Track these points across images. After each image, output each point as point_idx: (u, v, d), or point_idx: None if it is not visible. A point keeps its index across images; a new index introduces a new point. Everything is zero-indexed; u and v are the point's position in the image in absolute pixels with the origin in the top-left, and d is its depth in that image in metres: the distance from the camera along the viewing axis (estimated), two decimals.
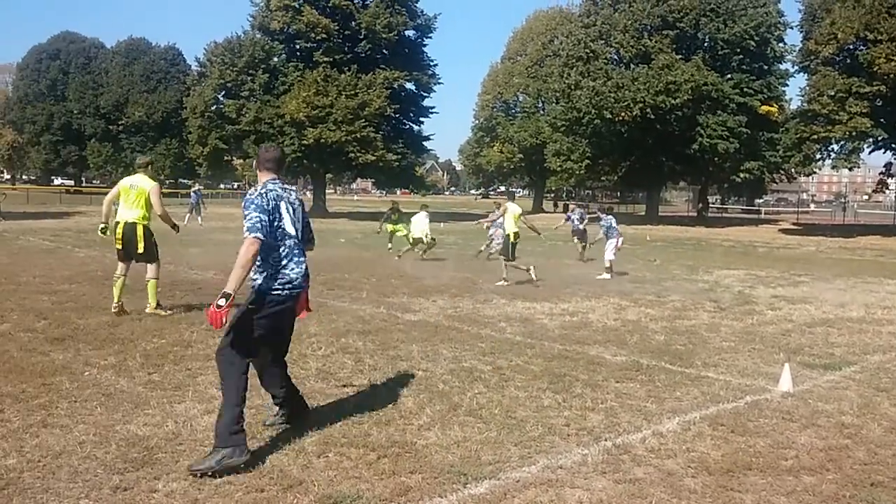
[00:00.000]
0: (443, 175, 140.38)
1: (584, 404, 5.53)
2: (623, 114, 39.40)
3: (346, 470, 4.08)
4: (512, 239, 13.03)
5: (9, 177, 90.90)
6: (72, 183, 79.38)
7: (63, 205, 43.84)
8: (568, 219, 18.99)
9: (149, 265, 8.59)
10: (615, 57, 44.27)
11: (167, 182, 74.51)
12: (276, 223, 4.40)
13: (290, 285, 4.46)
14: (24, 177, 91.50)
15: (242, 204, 4.47)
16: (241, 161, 47.53)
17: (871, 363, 7.33)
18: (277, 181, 4.55)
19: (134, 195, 8.43)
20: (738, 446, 4.68)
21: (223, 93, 44.05)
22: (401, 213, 18.69)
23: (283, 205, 4.47)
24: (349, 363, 6.56)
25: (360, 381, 5.96)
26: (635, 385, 6.15)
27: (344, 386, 5.81)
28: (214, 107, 44.75)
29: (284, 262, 4.45)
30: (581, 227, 18.52)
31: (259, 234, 4.24)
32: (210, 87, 43.80)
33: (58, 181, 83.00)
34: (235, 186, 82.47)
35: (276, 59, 43.67)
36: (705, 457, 4.47)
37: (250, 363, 4.39)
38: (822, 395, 6.03)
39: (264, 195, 4.40)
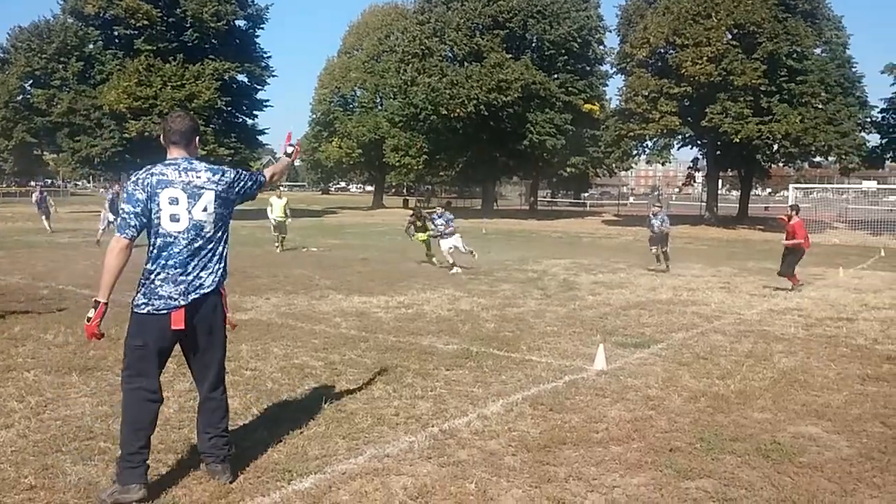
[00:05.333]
0: None
1: (415, 393, 5.62)
2: (458, 110, 40.39)
3: (163, 476, 3.88)
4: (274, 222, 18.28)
5: None
6: None
7: None
8: (647, 221, 16.24)
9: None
10: (449, 54, 45.22)
11: None
12: (155, 217, 3.60)
13: (156, 299, 3.58)
14: None
15: None
16: (54, 156, 43.84)
17: (676, 340, 8.03)
18: (179, 160, 3.75)
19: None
20: (555, 423, 4.96)
21: (31, 81, 40.35)
22: (425, 218, 16.18)
23: (164, 193, 3.61)
24: (170, 366, 6.19)
25: (181, 384, 5.68)
26: (464, 372, 6.33)
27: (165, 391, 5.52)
28: (21, 97, 40.91)
29: (151, 269, 3.63)
30: (664, 229, 15.75)
31: (126, 233, 3.53)
32: (15, 74, 39.99)
33: None
34: (48, 183, 75.71)
35: (91, 45, 40.57)
36: (525, 435, 4.70)
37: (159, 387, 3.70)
38: (632, 371, 6.52)
39: (137, 182, 3.62)
